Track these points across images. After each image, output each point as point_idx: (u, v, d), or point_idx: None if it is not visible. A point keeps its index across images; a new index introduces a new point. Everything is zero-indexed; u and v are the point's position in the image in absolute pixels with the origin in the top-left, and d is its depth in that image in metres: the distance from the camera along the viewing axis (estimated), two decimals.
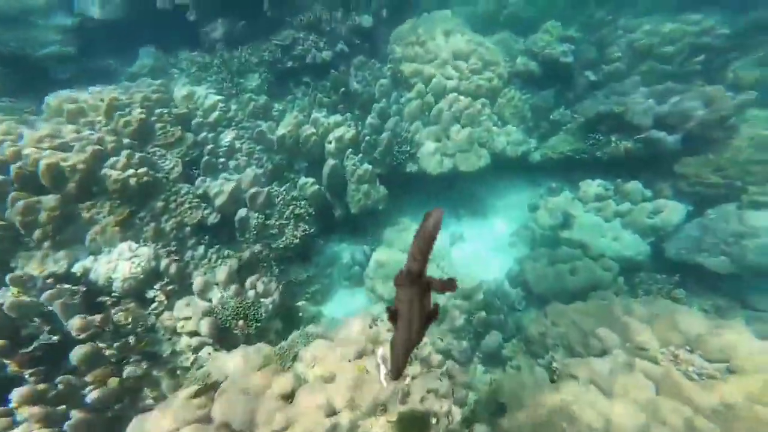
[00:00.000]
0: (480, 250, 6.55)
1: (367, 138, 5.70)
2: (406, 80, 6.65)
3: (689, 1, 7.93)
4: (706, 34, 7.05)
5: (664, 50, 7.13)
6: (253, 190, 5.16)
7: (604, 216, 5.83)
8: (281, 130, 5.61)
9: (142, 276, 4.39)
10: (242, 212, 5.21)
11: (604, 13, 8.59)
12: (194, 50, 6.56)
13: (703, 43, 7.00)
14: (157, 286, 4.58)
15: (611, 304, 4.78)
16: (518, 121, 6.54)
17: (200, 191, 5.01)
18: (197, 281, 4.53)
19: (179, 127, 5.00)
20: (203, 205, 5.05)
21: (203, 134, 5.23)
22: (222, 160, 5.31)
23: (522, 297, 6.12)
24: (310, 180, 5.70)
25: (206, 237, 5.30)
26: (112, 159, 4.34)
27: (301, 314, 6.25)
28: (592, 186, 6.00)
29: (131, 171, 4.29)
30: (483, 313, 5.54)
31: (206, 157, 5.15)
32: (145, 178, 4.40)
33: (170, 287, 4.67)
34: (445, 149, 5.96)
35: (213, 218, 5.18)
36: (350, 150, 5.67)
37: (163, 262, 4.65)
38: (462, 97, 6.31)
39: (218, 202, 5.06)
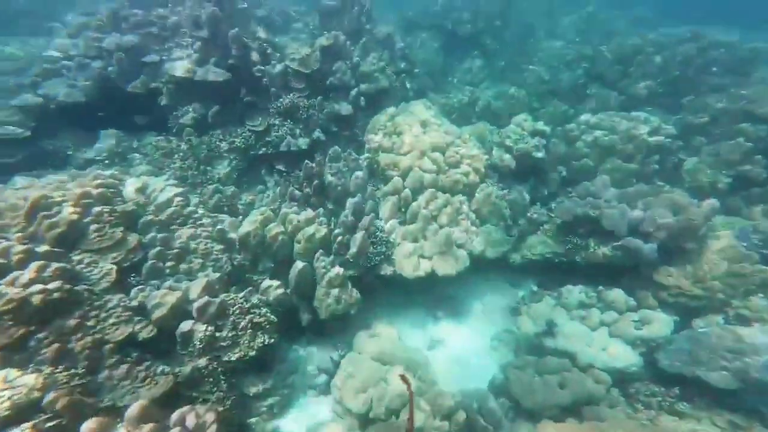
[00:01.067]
0: (460, 355, 5.95)
1: (340, 238, 5.27)
2: (382, 172, 6.50)
3: (628, 101, 8.73)
4: (656, 132, 7.54)
5: (624, 148, 7.51)
6: (203, 300, 4.43)
7: (590, 325, 5.50)
8: (245, 228, 5.08)
9: (8, 412, 3.39)
10: (186, 325, 4.40)
11: (566, 106, 9.19)
12: (161, 134, 6.18)
13: (656, 142, 7.44)
14: (28, 424, 3.55)
15: (612, 428, 4.22)
16: (497, 219, 6.41)
17: (134, 303, 4.23)
18: (86, 425, 3.46)
19: (120, 228, 4.35)
20: (136, 318, 4.24)
21: (151, 234, 4.60)
22: (171, 263, 4.63)
23: (509, 407, 5.47)
24: (275, 283, 5.07)
25: (134, 354, 4.39)
26: (15, 274, 3.56)
27: None
28: (574, 292, 5.75)
29: (37, 287, 3.50)
30: None
31: (151, 262, 4.46)
32: (56, 294, 3.59)
33: (50, 424, 3.63)
34: (422, 251, 5.61)
35: (147, 333, 4.33)
36: (321, 251, 5.18)
37: (51, 394, 3.65)
38: (440, 194, 6.17)
39: (156, 315, 4.27)
